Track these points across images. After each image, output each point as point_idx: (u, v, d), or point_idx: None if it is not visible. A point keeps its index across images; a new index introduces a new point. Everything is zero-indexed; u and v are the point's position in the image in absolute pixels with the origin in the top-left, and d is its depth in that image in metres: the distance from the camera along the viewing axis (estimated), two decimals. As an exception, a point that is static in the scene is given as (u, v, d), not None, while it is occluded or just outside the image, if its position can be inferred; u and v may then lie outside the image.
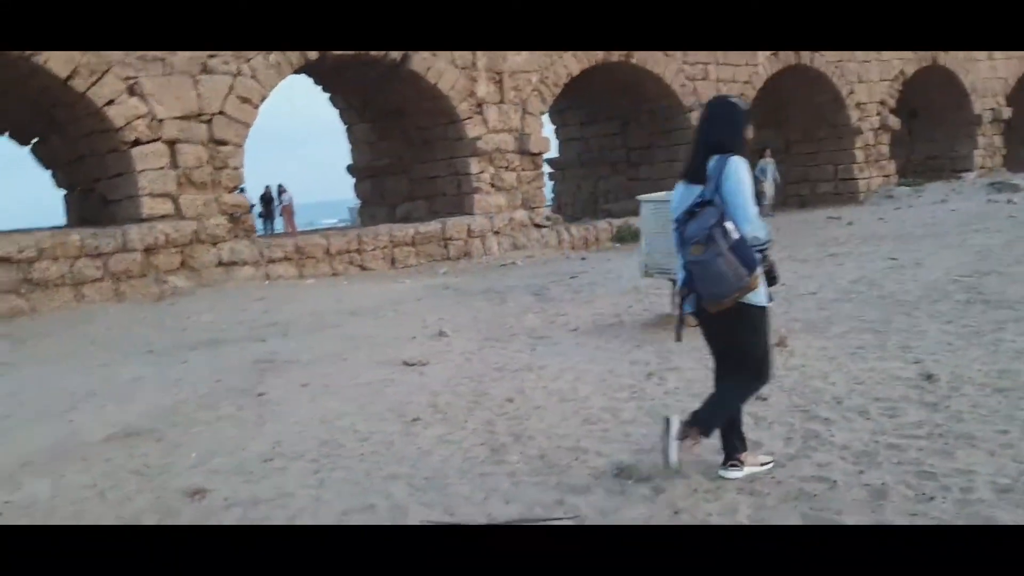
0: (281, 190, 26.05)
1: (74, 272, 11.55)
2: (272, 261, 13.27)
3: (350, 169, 18.73)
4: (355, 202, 25.46)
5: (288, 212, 25.58)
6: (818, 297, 8.97)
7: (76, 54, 11.70)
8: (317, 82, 17.38)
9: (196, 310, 10.83)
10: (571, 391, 5.99)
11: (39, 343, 9.54)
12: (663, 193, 7.99)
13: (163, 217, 12.45)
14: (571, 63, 16.94)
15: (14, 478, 4.99)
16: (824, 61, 20.88)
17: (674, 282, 7.90)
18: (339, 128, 18.72)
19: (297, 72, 14.18)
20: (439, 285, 12.28)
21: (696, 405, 4.22)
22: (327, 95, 17.99)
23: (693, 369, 6.32)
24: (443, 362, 7.27)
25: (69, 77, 11.73)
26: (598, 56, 17.24)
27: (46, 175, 15.76)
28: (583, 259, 14.60)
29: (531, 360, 7.13)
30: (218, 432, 5.65)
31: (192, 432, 5.68)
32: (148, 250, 12.15)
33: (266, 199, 26.32)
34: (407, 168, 17.53)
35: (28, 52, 11.32)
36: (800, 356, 6.43)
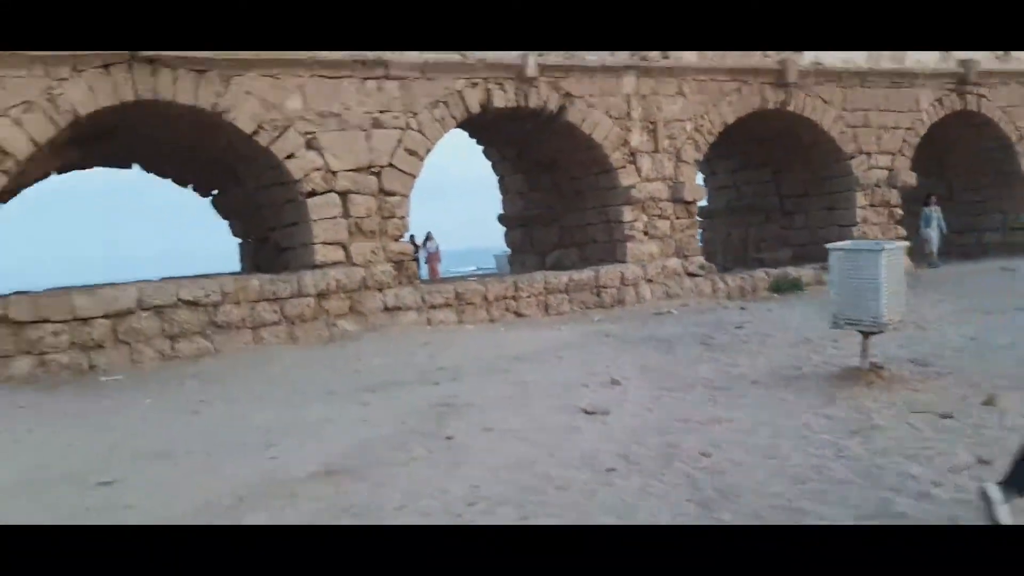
0: (428, 238, 26.78)
1: (254, 315, 12.20)
2: (433, 307, 13.61)
3: (501, 218, 19.10)
4: (500, 250, 25.94)
5: (434, 260, 26.25)
6: (1017, 352, 8.39)
7: (261, 111, 12.51)
8: (472, 135, 17.91)
9: (366, 353, 11.20)
10: (771, 446, 5.79)
11: (226, 383, 10.08)
12: (851, 242, 7.71)
13: (335, 264, 13.02)
14: (726, 111, 16.78)
15: (233, 512, 5.24)
16: (993, 107, 19.82)
17: (864, 334, 7.60)
18: (481, 179, 19.16)
19: (459, 125, 14.63)
20: (597, 332, 12.24)
21: (914, 469, 4.00)
22: (481, 147, 18.52)
23: (895, 428, 6.01)
24: (623, 411, 7.21)
25: (254, 133, 12.53)
26: (754, 103, 17.02)
27: (223, 225, 16.84)
28: (742, 309, 14.25)
29: (716, 412, 6.97)
30: (415, 473, 5.77)
31: (390, 473, 5.82)
32: (320, 295, 12.71)
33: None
34: (558, 217, 17.72)
35: (220, 110, 12.19)
36: (1017, 415, 6.01)
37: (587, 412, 7.18)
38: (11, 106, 11.10)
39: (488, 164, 19.12)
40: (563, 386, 8.34)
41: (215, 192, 16.11)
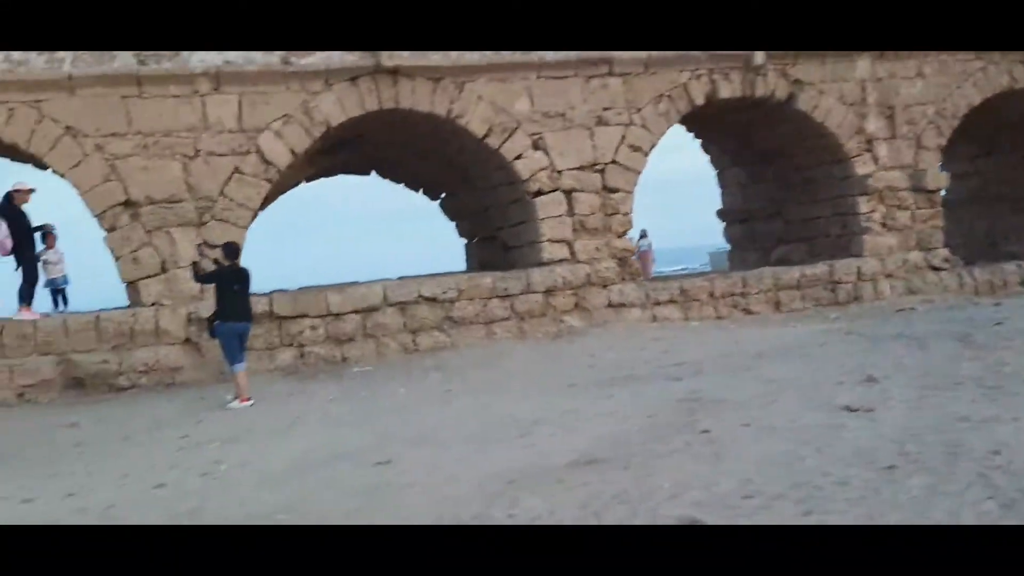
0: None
1: (486, 311, 12.66)
2: (658, 303, 13.52)
3: (720, 213, 18.64)
4: (714, 247, 25.36)
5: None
6: None
7: (491, 114, 12.95)
8: (688, 129, 17.60)
9: (597, 348, 11.30)
10: (1075, 448, 5.25)
11: (467, 375, 10.51)
12: None
13: (560, 261, 13.24)
14: (971, 92, 15.49)
15: (506, 494, 5.43)
16: None
17: None
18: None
19: (683, 118, 14.44)
20: (837, 330, 11.66)
21: None
22: (699, 141, 18.16)
23: None
24: (888, 409, 6.79)
25: (485, 136, 13.00)
26: (1001, 82, 15.59)
27: (448, 226, 17.58)
28: (997, 305, 13.07)
29: (995, 411, 6.41)
30: (678, 465, 5.72)
31: (653, 464, 5.81)
32: (548, 292, 12.97)
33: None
34: (782, 210, 17.03)
35: (454, 115, 12.75)
36: None
37: (849, 409, 6.83)
38: (273, 120, 12.17)
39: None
40: (814, 383, 7.99)
41: (444, 195, 16.85)
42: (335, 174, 16.38)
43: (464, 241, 17.22)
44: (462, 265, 17.28)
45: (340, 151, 14.68)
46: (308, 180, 16.02)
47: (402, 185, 17.11)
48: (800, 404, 7.20)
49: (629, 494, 5.18)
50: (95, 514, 5.84)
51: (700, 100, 14.08)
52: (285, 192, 15.51)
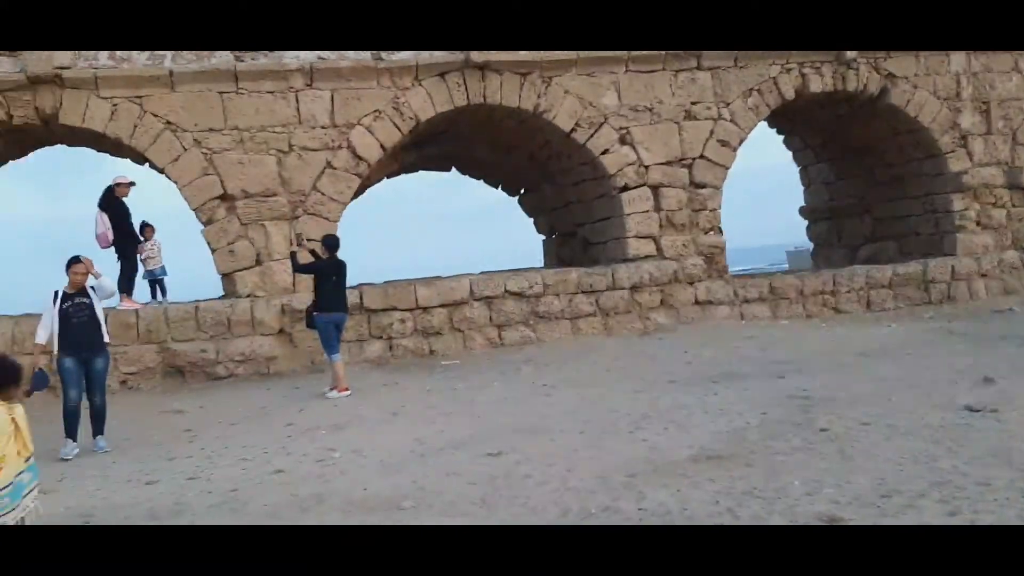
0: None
1: (572, 307, 12.61)
2: (747, 301, 13.32)
3: (803, 211, 18.29)
4: (792, 245, 24.91)
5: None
6: None
7: (578, 109, 12.91)
8: (771, 124, 17.29)
9: (689, 345, 11.16)
10: None
11: (559, 369, 10.48)
12: None
13: (646, 257, 13.13)
14: (1073, 84, 14.91)
15: (631, 486, 5.39)
16: None
17: None
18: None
19: (773, 112, 14.19)
20: (936, 330, 11.36)
21: None
22: (781, 137, 17.85)
23: None
24: (1014, 409, 6.58)
25: (572, 130, 12.96)
26: (1108, 73, 14.99)
27: (522, 223, 17.59)
28: (1105, 307, 12.59)
29: None
30: (805, 462, 5.61)
31: (777, 460, 5.71)
32: (633, 288, 12.87)
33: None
34: (869, 207, 16.64)
35: (541, 110, 12.74)
36: None
37: (971, 409, 6.63)
38: (364, 115, 12.31)
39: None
40: (930, 382, 7.80)
41: (523, 191, 16.85)
42: (416, 170, 16.50)
43: (542, 238, 17.20)
44: (536, 262, 17.26)
45: (423, 147, 14.79)
46: (390, 176, 16.16)
47: (481, 181, 17.17)
48: (919, 403, 7.02)
49: (761, 491, 5.10)
50: (219, 496, 5.97)
51: (790, 94, 13.84)
52: (368, 188, 15.67)
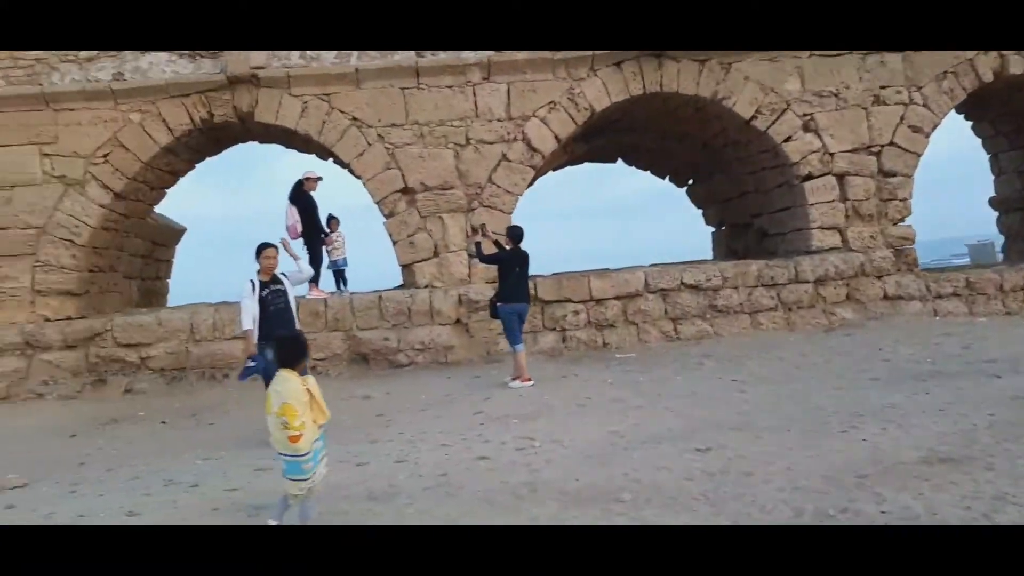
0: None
1: (751, 300, 12.21)
2: (940, 296, 12.50)
3: (992, 201, 17.01)
4: (973, 238, 23.23)
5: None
6: None
7: (759, 95, 12.45)
8: (959, 110, 16.14)
9: (883, 342, 10.56)
10: None
11: (743, 364, 10.13)
12: None
13: (830, 249, 12.54)
14: None
15: (863, 487, 5.08)
16: None
17: None
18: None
19: (970, 95, 13.23)
20: None
21: None
22: (969, 123, 16.64)
23: None
24: None
25: (752, 118, 12.53)
26: None
27: (691, 214, 17.21)
28: None
29: None
30: (1057, 469, 5.14)
31: (1021, 465, 5.26)
32: (818, 282, 12.33)
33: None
34: (1073, 197, 15.30)
35: (720, 97, 12.37)
36: None
37: None
38: (539, 107, 12.34)
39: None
40: None
41: (692, 181, 16.48)
42: (584, 162, 16.43)
43: (711, 229, 16.78)
44: (701, 254, 16.86)
45: (592, 138, 14.70)
46: (557, 168, 16.18)
47: (648, 172, 16.92)
48: None
49: (1015, 496, 4.69)
50: (431, 479, 6.07)
51: (988, 77, 12.89)
52: (536, 180, 15.73)
